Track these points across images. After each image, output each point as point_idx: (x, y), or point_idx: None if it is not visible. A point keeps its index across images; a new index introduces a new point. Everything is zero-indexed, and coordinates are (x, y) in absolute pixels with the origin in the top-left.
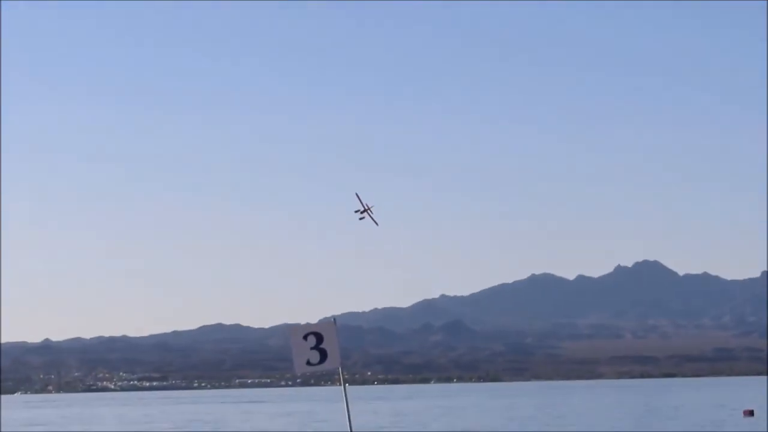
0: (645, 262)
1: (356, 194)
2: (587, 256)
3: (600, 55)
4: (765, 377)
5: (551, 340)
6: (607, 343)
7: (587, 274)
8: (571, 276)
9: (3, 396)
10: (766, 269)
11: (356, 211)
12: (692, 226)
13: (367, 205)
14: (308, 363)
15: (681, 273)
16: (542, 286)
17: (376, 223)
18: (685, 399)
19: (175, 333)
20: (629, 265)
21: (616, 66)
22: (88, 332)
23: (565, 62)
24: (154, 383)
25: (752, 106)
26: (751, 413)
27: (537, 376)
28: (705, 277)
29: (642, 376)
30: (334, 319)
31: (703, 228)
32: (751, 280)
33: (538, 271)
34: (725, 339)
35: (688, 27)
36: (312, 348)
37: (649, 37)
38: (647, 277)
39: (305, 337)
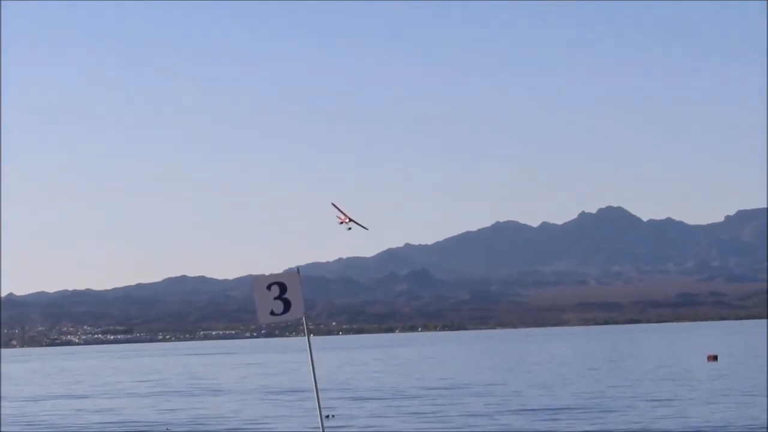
0: (609, 209)
1: (333, 204)
2: (551, 203)
3: (564, 6)
4: (729, 322)
5: (516, 287)
6: (571, 290)
7: (551, 221)
8: (535, 223)
9: None
10: (730, 214)
11: (340, 223)
12: (656, 171)
13: (346, 216)
14: (272, 313)
15: (645, 219)
16: (507, 233)
17: (366, 228)
18: (650, 345)
19: (139, 286)
20: (593, 211)
21: (582, 16)
22: (52, 286)
23: (530, 11)
24: (119, 336)
25: (712, 51)
26: (715, 358)
27: (502, 324)
28: (669, 222)
29: (607, 322)
30: (298, 269)
31: (666, 174)
32: (714, 224)
33: (502, 219)
34: (689, 284)
35: None
36: (275, 298)
37: None
38: (611, 223)
39: (269, 287)
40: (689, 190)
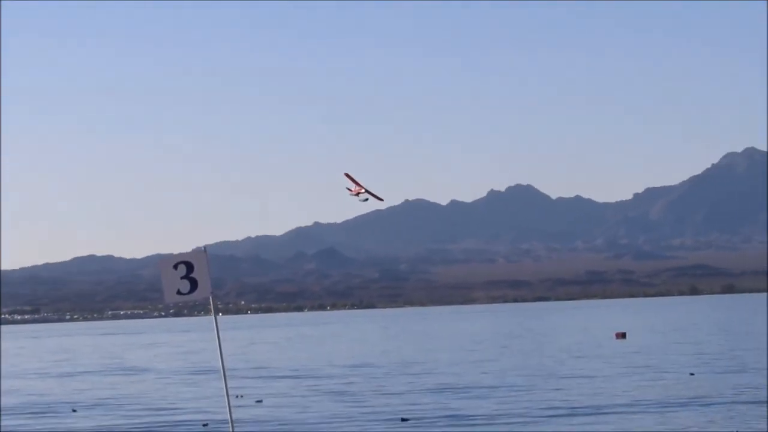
0: (518, 186)
1: (346, 174)
2: (460, 180)
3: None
4: (637, 299)
5: (425, 265)
6: (480, 268)
7: (460, 198)
8: (444, 201)
9: None
10: (638, 191)
11: (353, 194)
12: (564, 149)
13: (361, 186)
14: (178, 292)
15: (554, 196)
16: (416, 211)
17: (381, 199)
18: (558, 322)
19: (46, 265)
20: (502, 189)
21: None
22: None
23: None
24: (26, 316)
25: (617, 25)
26: (623, 336)
27: (411, 302)
28: (577, 200)
29: (515, 300)
30: (204, 248)
31: (575, 151)
32: (622, 202)
33: (411, 197)
34: (598, 262)
35: None
36: (182, 278)
37: None
38: (520, 201)
39: (175, 267)
40: (598, 168)
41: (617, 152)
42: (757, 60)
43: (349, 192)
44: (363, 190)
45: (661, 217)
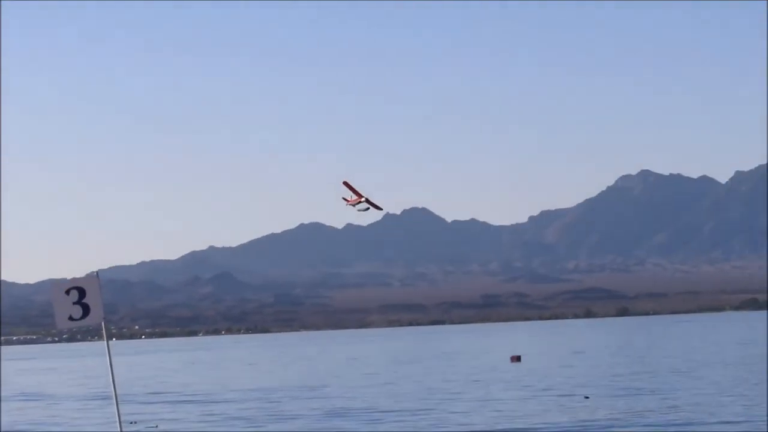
0: (413, 209)
1: (345, 183)
2: None
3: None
4: (532, 322)
5: (320, 289)
6: (375, 292)
7: (355, 222)
8: (339, 225)
9: None
10: (533, 214)
11: (352, 204)
12: (460, 171)
13: (360, 195)
14: (70, 318)
15: (449, 219)
16: (311, 235)
17: (380, 208)
18: (454, 346)
19: None
20: (398, 212)
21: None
22: None
23: None
24: None
25: (507, 45)
26: (518, 359)
27: (306, 327)
28: (473, 223)
29: (411, 323)
30: (97, 273)
31: (470, 173)
32: (518, 225)
33: (306, 221)
34: (493, 285)
35: None
36: (74, 303)
37: None
38: (415, 224)
39: (67, 292)
40: (493, 190)
41: (513, 175)
42: (650, 82)
43: (346, 202)
44: (362, 199)
45: (556, 239)
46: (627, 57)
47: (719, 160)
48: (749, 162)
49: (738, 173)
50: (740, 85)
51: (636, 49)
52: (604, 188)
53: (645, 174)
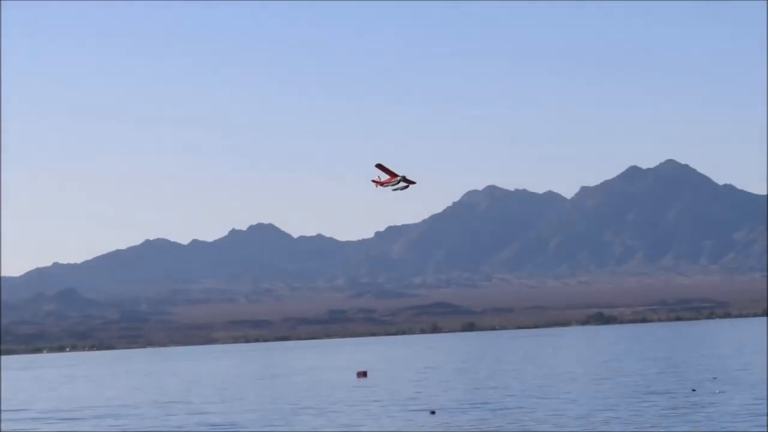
0: (259, 225)
1: (379, 165)
2: (202, 219)
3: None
4: (379, 337)
5: (166, 306)
6: (221, 308)
7: (202, 238)
8: (185, 240)
9: None
10: (380, 229)
11: (388, 185)
12: (306, 187)
13: (393, 174)
14: None
15: (295, 235)
16: (157, 251)
17: (413, 182)
18: (300, 362)
19: None
20: (244, 228)
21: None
22: None
23: None
24: None
25: (363, 67)
26: (364, 374)
27: (151, 343)
28: (319, 238)
29: (257, 339)
30: None
31: (316, 189)
32: (364, 240)
33: (152, 237)
34: (340, 300)
35: None
36: None
37: None
38: (262, 239)
39: None
40: (340, 206)
41: (358, 190)
42: (495, 99)
43: (376, 185)
44: (398, 178)
45: (403, 255)
46: (472, 76)
47: (565, 176)
48: (594, 177)
49: (583, 188)
50: (583, 104)
51: (480, 68)
52: (450, 204)
53: (491, 189)
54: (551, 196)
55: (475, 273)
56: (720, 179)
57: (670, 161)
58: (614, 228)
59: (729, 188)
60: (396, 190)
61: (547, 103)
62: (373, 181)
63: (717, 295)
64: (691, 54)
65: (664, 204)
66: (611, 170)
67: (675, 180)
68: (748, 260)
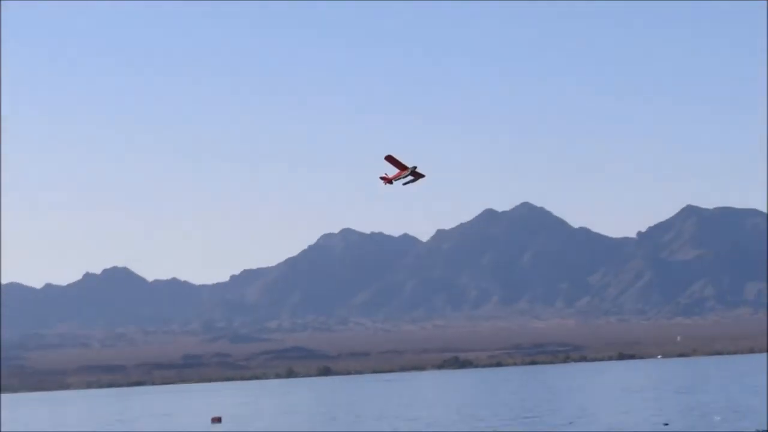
0: (114, 269)
1: (389, 157)
2: (56, 263)
3: None
4: (235, 382)
5: (18, 351)
6: (75, 353)
7: (55, 282)
8: (38, 284)
9: None
10: (235, 273)
11: (398, 179)
12: (160, 230)
13: (403, 166)
14: None
15: (150, 279)
16: (9, 296)
17: (424, 175)
18: (153, 407)
19: None
20: (98, 272)
21: None
22: None
23: None
24: None
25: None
26: (219, 420)
27: (4, 389)
28: (174, 282)
29: (111, 385)
30: None
31: (170, 232)
32: (220, 284)
33: (4, 281)
34: (194, 345)
35: None
36: None
37: None
38: (116, 284)
39: None
40: (194, 249)
41: (213, 233)
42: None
43: (384, 182)
44: (408, 171)
45: (258, 299)
46: (321, 120)
47: (421, 219)
48: (450, 220)
49: (439, 232)
50: (438, 147)
51: (329, 114)
52: (306, 247)
53: (347, 232)
54: (407, 239)
55: (331, 317)
56: (575, 222)
57: (525, 204)
58: (470, 271)
59: (584, 231)
60: (407, 183)
61: (401, 147)
62: (382, 177)
63: (572, 339)
64: (544, 101)
65: (520, 247)
66: (467, 213)
67: (530, 223)
68: (603, 304)
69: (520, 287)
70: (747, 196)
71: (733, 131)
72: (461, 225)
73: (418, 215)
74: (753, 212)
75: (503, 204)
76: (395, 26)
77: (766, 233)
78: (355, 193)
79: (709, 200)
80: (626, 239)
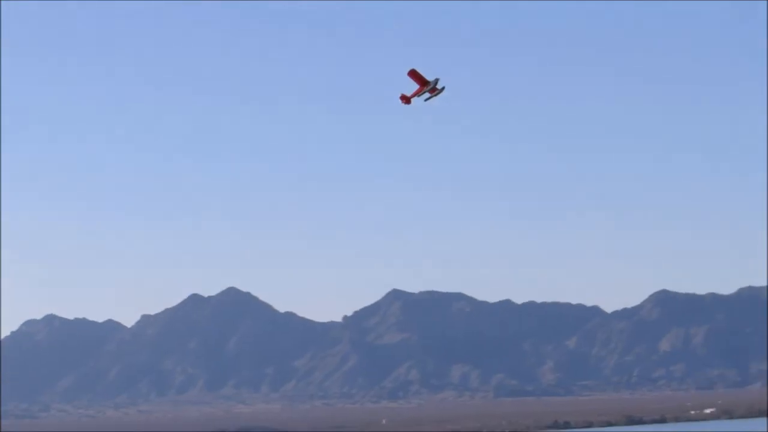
0: None
1: (412, 72)
2: None
3: None
4: None
5: None
6: None
7: None
8: None
9: None
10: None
11: (420, 94)
12: None
13: (425, 81)
14: None
15: None
16: None
17: (443, 89)
18: None
19: None
20: None
21: None
22: None
23: None
24: None
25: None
26: None
27: None
28: None
29: None
30: None
31: None
32: None
33: None
34: None
35: None
36: None
37: None
38: None
39: None
40: None
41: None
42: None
43: (403, 101)
44: (429, 86)
45: None
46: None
47: (125, 304)
48: (155, 306)
49: (144, 317)
50: (149, 231)
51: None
52: (9, 333)
53: (50, 318)
54: (112, 325)
55: (34, 403)
56: (281, 307)
57: (231, 289)
58: (176, 356)
59: (290, 315)
60: (428, 99)
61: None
62: (401, 97)
63: (278, 424)
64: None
65: (226, 332)
66: (172, 298)
67: (236, 308)
68: (309, 387)
69: (226, 372)
70: (452, 280)
71: (432, 214)
72: (167, 310)
73: (123, 300)
74: (458, 296)
75: (209, 289)
76: None
77: (470, 316)
78: (60, 277)
79: (414, 284)
80: (332, 323)
